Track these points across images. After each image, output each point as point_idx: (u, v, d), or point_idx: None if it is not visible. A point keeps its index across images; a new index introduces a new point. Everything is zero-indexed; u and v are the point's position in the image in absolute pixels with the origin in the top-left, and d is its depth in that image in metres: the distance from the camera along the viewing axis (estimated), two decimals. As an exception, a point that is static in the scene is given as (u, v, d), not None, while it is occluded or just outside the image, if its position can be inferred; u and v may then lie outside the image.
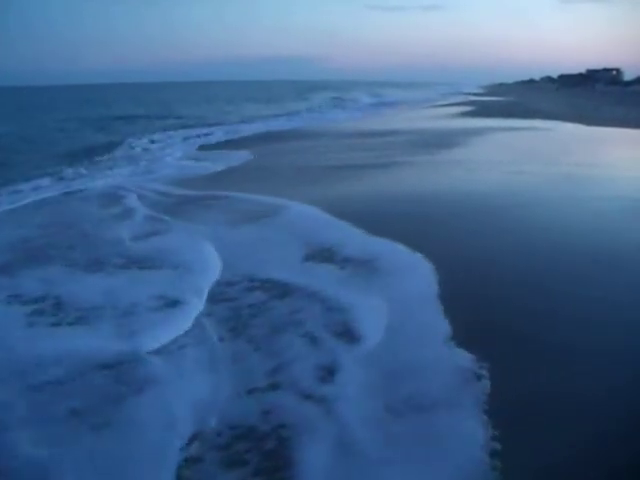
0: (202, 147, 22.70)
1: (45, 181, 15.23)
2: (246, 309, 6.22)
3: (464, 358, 5.02)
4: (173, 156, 20.14)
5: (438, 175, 13.90)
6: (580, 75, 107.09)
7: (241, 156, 18.62)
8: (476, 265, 7.39)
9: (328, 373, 4.89)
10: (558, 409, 4.37)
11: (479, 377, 4.71)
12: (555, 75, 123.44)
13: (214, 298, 6.58)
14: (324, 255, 7.83)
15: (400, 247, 7.99)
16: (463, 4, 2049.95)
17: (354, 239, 8.50)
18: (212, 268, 7.51)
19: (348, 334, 5.57)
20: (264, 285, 6.84)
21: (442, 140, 20.61)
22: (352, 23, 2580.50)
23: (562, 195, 11.35)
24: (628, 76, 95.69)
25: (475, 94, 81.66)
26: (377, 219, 9.50)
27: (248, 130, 29.36)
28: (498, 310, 6.08)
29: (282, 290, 6.67)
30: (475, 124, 27.94)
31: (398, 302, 6.26)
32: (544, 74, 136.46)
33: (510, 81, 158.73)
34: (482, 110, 39.78)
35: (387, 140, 21.63)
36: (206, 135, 27.49)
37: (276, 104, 57.81)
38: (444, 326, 5.63)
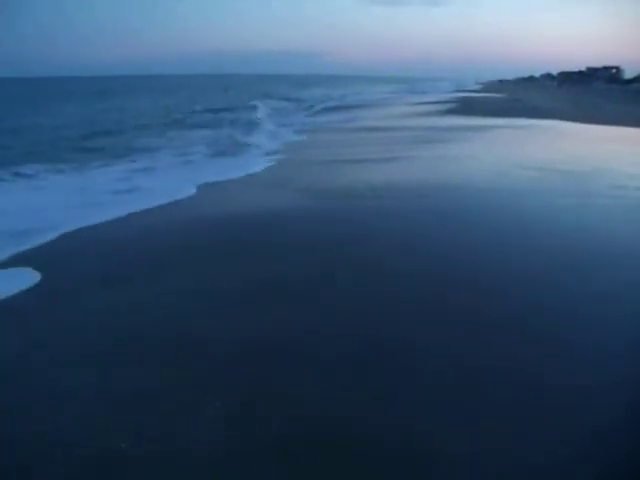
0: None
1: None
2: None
3: None
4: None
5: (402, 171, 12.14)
6: (580, 73, 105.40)
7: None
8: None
9: None
10: (557, 406, 4.04)
11: None
12: (555, 72, 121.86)
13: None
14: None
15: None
16: (465, 0, 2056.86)
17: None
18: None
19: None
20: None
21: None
22: (354, 17, 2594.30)
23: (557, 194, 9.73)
24: (628, 74, 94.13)
25: (472, 91, 79.59)
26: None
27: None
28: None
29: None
30: (459, 123, 26.21)
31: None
32: (544, 71, 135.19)
33: (510, 77, 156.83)
34: (465, 108, 36.85)
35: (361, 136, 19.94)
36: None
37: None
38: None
